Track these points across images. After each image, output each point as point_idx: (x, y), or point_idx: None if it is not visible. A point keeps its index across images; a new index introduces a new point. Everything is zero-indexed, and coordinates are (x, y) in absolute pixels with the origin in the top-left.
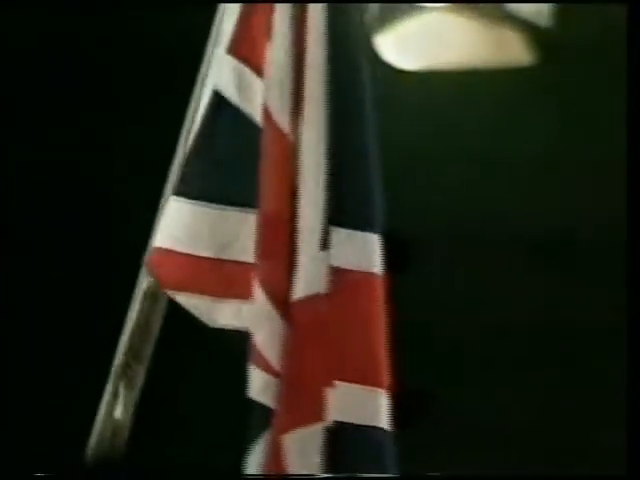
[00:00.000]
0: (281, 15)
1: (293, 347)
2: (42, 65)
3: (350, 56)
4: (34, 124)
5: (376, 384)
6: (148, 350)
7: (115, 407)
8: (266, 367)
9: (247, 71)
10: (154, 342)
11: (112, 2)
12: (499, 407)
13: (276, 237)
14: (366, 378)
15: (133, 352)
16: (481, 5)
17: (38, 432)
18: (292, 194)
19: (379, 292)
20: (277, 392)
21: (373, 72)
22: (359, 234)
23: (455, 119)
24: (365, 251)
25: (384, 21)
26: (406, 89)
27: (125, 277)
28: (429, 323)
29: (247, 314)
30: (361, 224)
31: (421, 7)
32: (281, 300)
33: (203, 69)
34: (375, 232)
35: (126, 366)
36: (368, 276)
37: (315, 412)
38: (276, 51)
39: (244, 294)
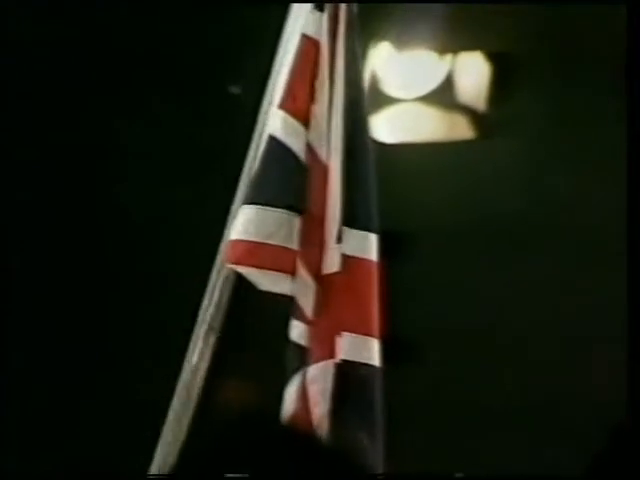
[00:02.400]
0: (322, 77)
1: (319, 307)
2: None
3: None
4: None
5: (371, 334)
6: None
7: (200, 364)
8: (303, 319)
9: (294, 121)
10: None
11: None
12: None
13: (315, 232)
14: (364, 330)
15: (214, 320)
16: (438, 98)
17: None
18: (325, 204)
19: (375, 273)
20: (308, 336)
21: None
22: (361, 232)
23: (423, 175)
24: (365, 244)
25: (371, 109)
26: (388, 156)
27: None
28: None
29: (286, 283)
30: (363, 225)
31: (398, 99)
32: (315, 275)
33: (260, 122)
34: (372, 231)
35: (210, 330)
36: (367, 261)
37: (330, 352)
38: (319, 106)
39: (285, 269)
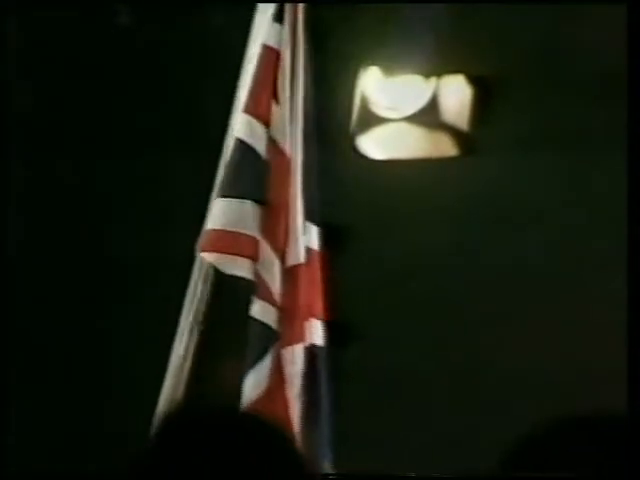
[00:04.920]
0: (282, 79)
1: (288, 293)
2: None
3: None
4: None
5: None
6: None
7: (187, 358)
8: (270, 300)
9: (257, 123)
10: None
11: None
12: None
13: (278, 219)
14: (325, 316)
15: (198, 314)
16: (424, 118)
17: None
18: (288, 194)
19: (324, 262)
20: (278, 318)
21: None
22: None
23: (408, 190)
24: (315, 236)
25: (362, 128)
26: (376, 172)
27: None
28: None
29: (246, 266)
30: (314, 218)
31: (387, 119)
32: (280, 258)
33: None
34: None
35: (194, 324)
36: (318, 252)
37: (300, 336)
38: (281, 107)
39: (245, 254)
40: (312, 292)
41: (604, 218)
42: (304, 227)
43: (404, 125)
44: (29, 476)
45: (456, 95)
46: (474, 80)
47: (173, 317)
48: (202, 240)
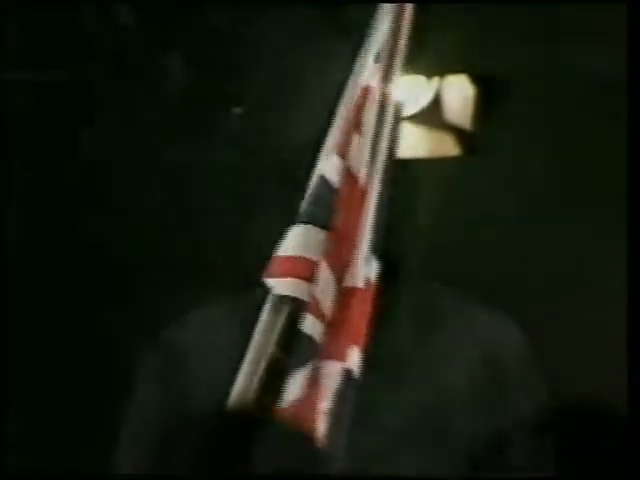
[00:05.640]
0: (369, 111)
1: (339, 312)
2: None
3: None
4: None
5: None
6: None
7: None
8: (318, 314)
9: (335, 156)
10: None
11: None
12: None
13: (343, 248)
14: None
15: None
16: (427, 117)
17: None
18: (358, 224)
19: (375, 295)
20: (324, 333)
21: None
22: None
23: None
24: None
25: None
26: None
27: None
28: None
29: (301, 288)
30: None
31: None
32: (338, 279)
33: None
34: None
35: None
36: (373, 285)
37: (342, 356)
38: (363, 137)
39: (308, 277)
40: (361, 320)
41: (604, 218)
42: (367, 257)
43: (406, 125)
44: (29, 476)
45: (459, 95)
46: (477, 79)
47: (173, 317)
48: (269, 266)
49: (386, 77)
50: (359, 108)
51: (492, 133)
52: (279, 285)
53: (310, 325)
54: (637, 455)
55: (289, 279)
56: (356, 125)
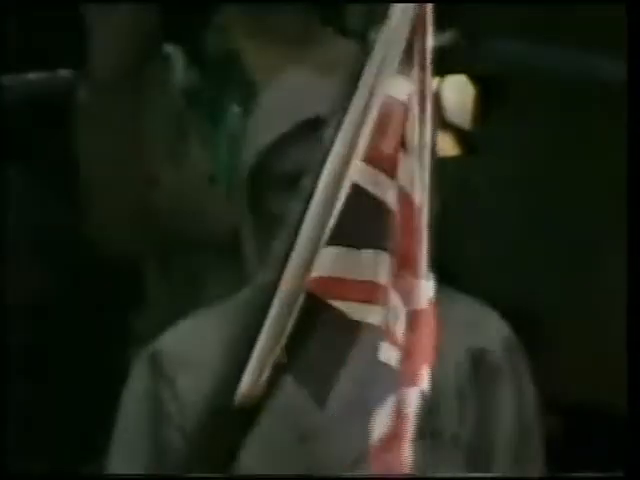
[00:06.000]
0: (411, 127)
1: (411, 335)
2: None
3: None
4: None
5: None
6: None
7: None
8: (394, 342)
9: (381, 175)
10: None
11: None
12: None
13: (404, 269)
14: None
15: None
16: None
17: None
18: (415, 245)
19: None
20: (401, 360)
21: None
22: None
23: None
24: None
25: None
26: None
27: None
28: None
29: (373, 313)
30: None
31: None
32: (404, 303)
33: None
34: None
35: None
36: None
37: (417, 380)
38: (409, 156)
39: (371, 300)
40: (429, 340)
41: (604, 217)
42: (427, 276)
43: None
44: (29, 476)
45: (459, 95)
46: (477, 79)
47: (174, 317)
48: (319, 285)
49: (422, 90)
50: (399, 124)
51: (492, 133)
52: (355, 310)
53: (386, 353)
54: (637, 455)
55: (367, 305)
56: (399, 141)
